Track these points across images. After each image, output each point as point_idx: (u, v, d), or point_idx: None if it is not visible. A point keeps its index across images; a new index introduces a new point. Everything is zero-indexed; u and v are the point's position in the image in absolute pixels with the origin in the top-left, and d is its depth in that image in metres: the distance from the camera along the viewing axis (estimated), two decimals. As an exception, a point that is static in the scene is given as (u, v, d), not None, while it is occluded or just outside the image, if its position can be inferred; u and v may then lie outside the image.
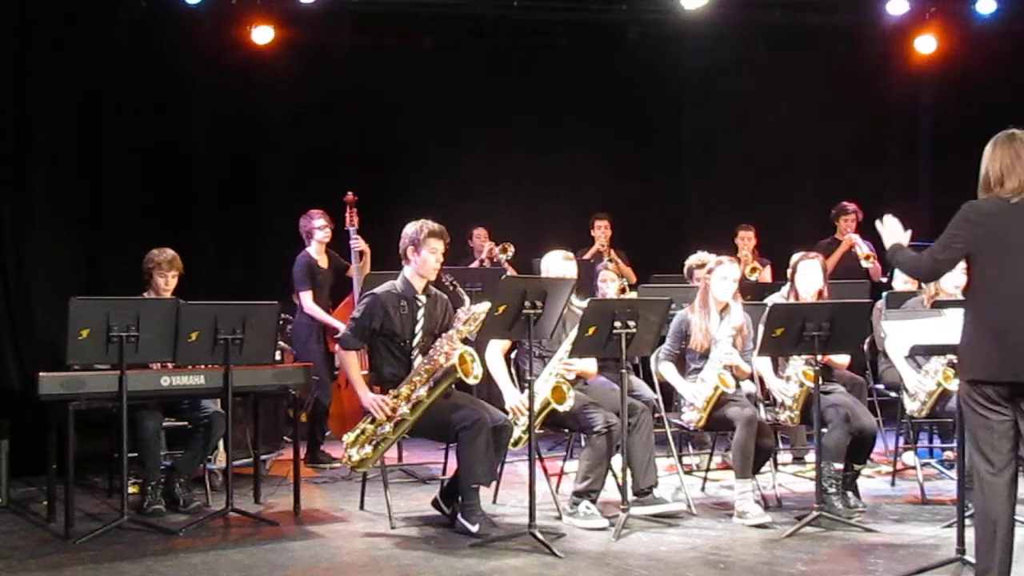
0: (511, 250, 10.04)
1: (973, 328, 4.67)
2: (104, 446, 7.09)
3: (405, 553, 5.81)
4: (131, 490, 6.60)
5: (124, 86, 9.75)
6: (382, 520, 6.40)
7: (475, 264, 10.24)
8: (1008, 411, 4.56)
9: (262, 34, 10.55)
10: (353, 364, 6.41)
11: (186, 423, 6.88)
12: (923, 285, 7.45)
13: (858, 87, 11.40)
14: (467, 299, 6.33)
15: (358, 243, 8.58)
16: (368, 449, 6.21)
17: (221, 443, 6.93)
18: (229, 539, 6.14)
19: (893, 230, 5.13)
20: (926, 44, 11.72)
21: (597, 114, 11.61)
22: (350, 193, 8.63)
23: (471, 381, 6.21)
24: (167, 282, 7.00)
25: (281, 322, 7.46)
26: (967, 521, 5.36)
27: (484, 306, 6.18)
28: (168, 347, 6.21)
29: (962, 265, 6.56)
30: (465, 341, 6.28)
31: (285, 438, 8.14)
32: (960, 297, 6.49)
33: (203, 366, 6.44)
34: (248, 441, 7.36)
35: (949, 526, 5.90)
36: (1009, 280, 4.58)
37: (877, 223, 5.19)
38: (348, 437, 6.27)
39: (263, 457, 7.47)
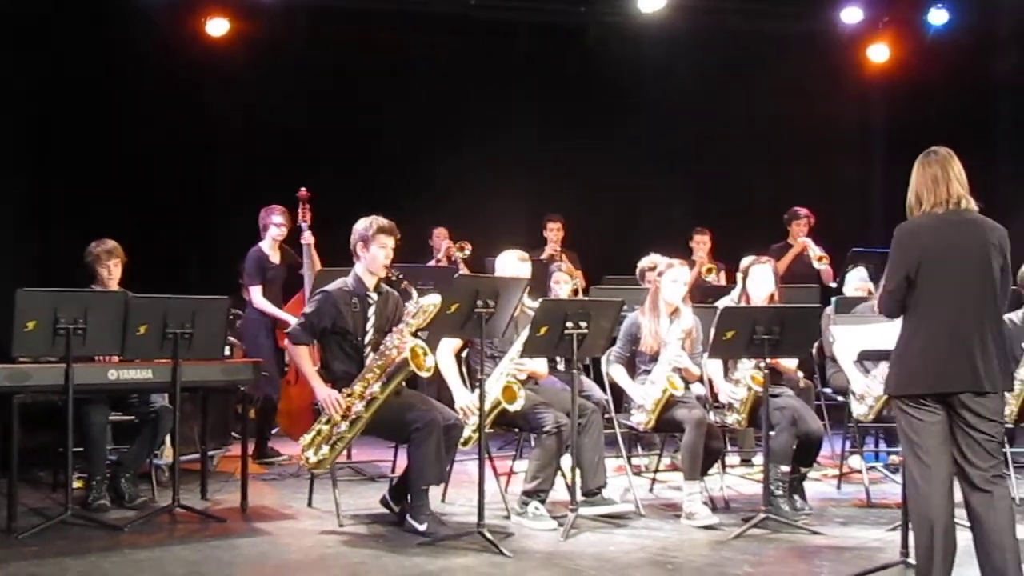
0: (468, 249, 10.06)
1: (904, 341, 4.72)
2: (49, 440, 6.99)
3: (353, 551, 5.78)
4: (76, 485, 6.53)
5: (76, 77, 9.65)
6: (330, 518, 6.36)
7: (432, 263, 10.24)
8: (939, 411, 4.61)
9: (217, 26, 10.48)
10: (305, 358, 6.37)
11: (133, 417, 6.81)
12: (872, 291, 7.54)
13: (813, 93, 11.52)
14: (414, 293, 6.30)
15: (308, 238, 8.53)
16: (325, 449, 6.17)
17: (168, 438, 6.87)
18: (175, 535, 6.09)
19: None
20: (879, 53, 11.86)
21: (554, 115, 11.64)
22: (303, 189, 8.58)
23: (424, 374, 6.17)
24: (110, 272, 6.94)
25: (231, 317, 7.40)
26: (911, 525, 5.43)
27: (433, 299, 6.15)
28: (116, 340, 6.13)
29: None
30: (415, 335, 6.26)
31: (233, 434, 8.07)
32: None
33: (151, 360, 6.38)
34: (196, 436, 7.30)
35: (893, 529, 5.97)
36: (939, 293, 4.62)
37: None
38: (304, 439, 6.23)
39: (211, 453, 7.42)
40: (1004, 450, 4.94)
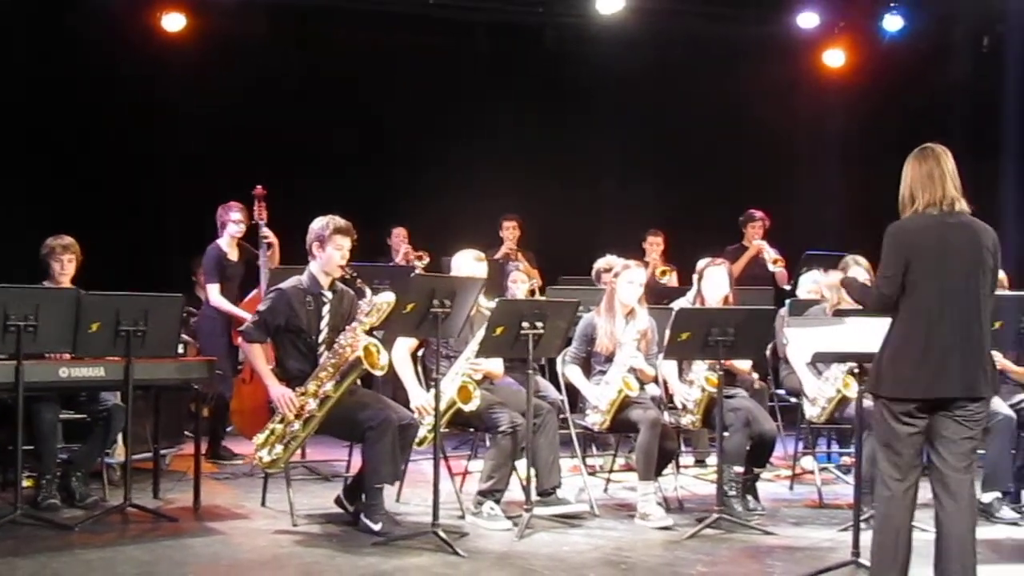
0: (426, 259, 10.02)
1: (897, 343, 4.67)
2: (-1, 438, 6.92)
3: (307, 551, 5.76)
4: (26, 484, 6.43)
5: (30, 71, 9.54)
6: (284, 517, 6.33)
7: (391, 264, 10.20)
8: (922, 421, 4.62)
9: (173, 22, 10.41)
10: (259, 356, 6.34)
11: (84, 416, 6.73)
12: (825, 294, 7.58)
13: (769, 97, 11.57)
14: (368, 291, 6.29)
15: (267, 236, 8.49)
16: (279, 449, 6.15)
17: (120, 437, 6.81)
18: (127, 535, 6.04)
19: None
20: (835, 58, 11.98)
21: (512, 115, 11.65)
22: (259, 187, 8.54)
23: (377, 372, 6.16)
24: (63, 267, 6.87)
25: (185, 315, 7.34)
26: (863, 525, 5.48)
27: (386, 296, 6.16)
28: (68, 338, 6.06)
29: (864, 276, 6.75)
30: (370, 333, 6.24)
31: (186, 433, 8.00)
32: (859, 307, 6.61)
33: (104, 358, 6.31)
34: (148, 435, 7.22)
35: (845, 529, 6.02)
36: (935, 295, 4.61)
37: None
38: (258, 438, 6.20)
39: (163, 452, 7.36)
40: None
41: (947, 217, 4.67)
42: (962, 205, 4.70)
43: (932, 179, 4.69)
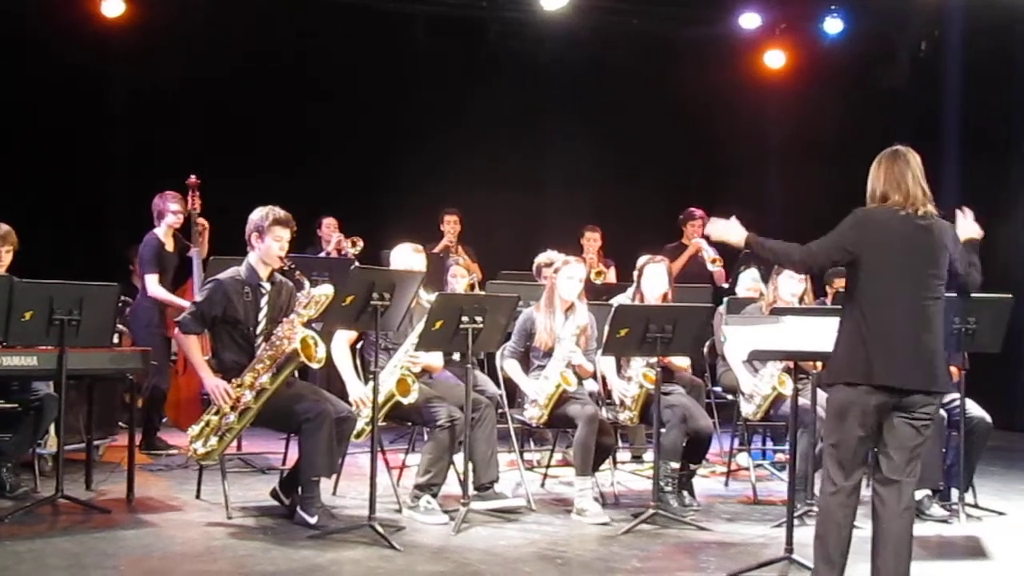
0: (360, 244, 9.97)
1: (851, 334, 4.71)
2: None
3: (242, 544, 5.72)
4: (-45, 474, 6.36)
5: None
6: (219, 510, 6.29)
7: (322, 254, 10.14)
8: (872, 427, 4.68)
9: (112, 7, 10.27)
10: (194, 347, 6.28)
11: (15, 405, 6.62)
12: (763, 292, 7.66)
13: (711, 96, 11.66)
14: (307, 283, 6.25)
15: (200, 225, 8.41)
16: (214, 440, 6.08)
17: (52, 427, 6.72)
18: (58, 527, 5.96)
19: (733, 228, 5.10)
20: (775, 59, 12.10)
21: (453, 109, 11.63)
22: (193, 176, 8.45)
23: (314, 365, 6.14)
24: (0, 258, 6.76)
25: (120, 304, 7.25)
26: (796, 521, 5.54)
27: (325, 289, 6.12)
28: (0, 326, 5.97)
29: (797, 276, 6.82)
30: (308, 325, 6.20)
31: (120, 423, 7.91)
32: (797, 305, 6.69)
33: (37, 347, 6.22)
34: (81, 425, 7.13)
35: (779, 526, 6.09)
36: (893, 290, 4.66)
37: (711, 225, 5.16)
38: (193, 430, 6.14)
39: (96, 442, 7.26)
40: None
41: (915, 218, 4.70)
42: (928, 208, 4.74)
43: (903, 180, 4.73)
